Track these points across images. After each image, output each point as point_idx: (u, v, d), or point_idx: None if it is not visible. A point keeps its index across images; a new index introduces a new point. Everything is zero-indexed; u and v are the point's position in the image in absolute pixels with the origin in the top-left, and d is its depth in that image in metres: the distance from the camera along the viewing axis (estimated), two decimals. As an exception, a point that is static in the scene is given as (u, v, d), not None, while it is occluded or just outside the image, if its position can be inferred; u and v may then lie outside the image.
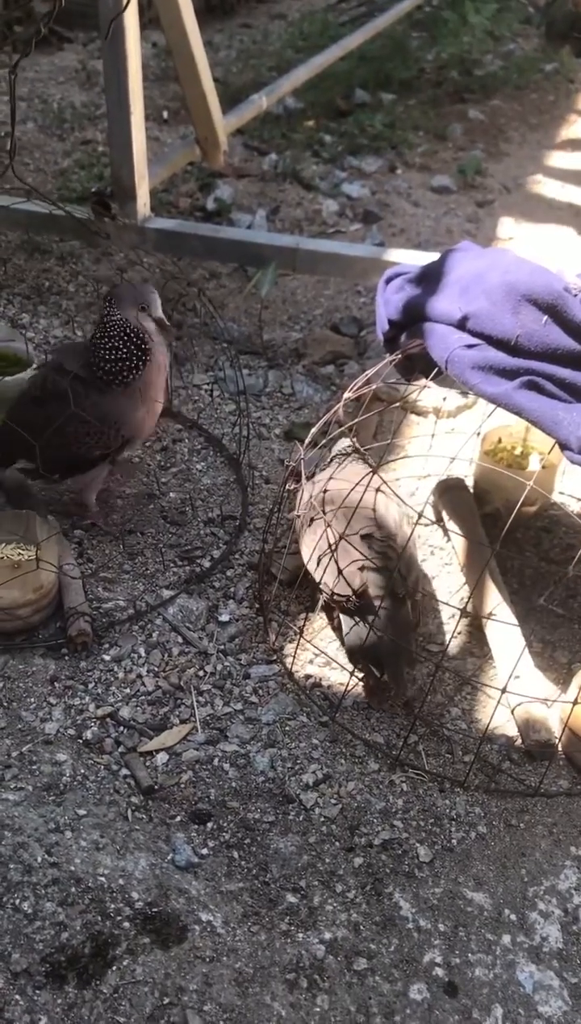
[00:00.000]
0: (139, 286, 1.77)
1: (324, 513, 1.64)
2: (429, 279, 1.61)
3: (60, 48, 4.56)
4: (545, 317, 1.42)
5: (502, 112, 4.13)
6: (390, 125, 3.83)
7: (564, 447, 1.40)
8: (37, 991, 1.18)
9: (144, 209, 2.59)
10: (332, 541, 1.61)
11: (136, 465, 2.04)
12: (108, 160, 2.76)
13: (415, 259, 2.32)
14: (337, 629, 1.70)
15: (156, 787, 1.46)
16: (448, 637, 1.73)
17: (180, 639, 1.71)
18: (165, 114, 3.87)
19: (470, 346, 1.46)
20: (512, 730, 1.59)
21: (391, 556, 1.62)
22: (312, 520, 1.69)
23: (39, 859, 1.30)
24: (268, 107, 3.35)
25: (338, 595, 1.60)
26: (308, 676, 1.66)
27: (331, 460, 1.85)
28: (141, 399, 1.78)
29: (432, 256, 1.89)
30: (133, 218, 2.56)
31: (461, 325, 1.49)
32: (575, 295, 1.42)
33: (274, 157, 3.53)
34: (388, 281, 1.71)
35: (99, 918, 1.25)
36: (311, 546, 1.67)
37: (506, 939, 1.32)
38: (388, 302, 1.66)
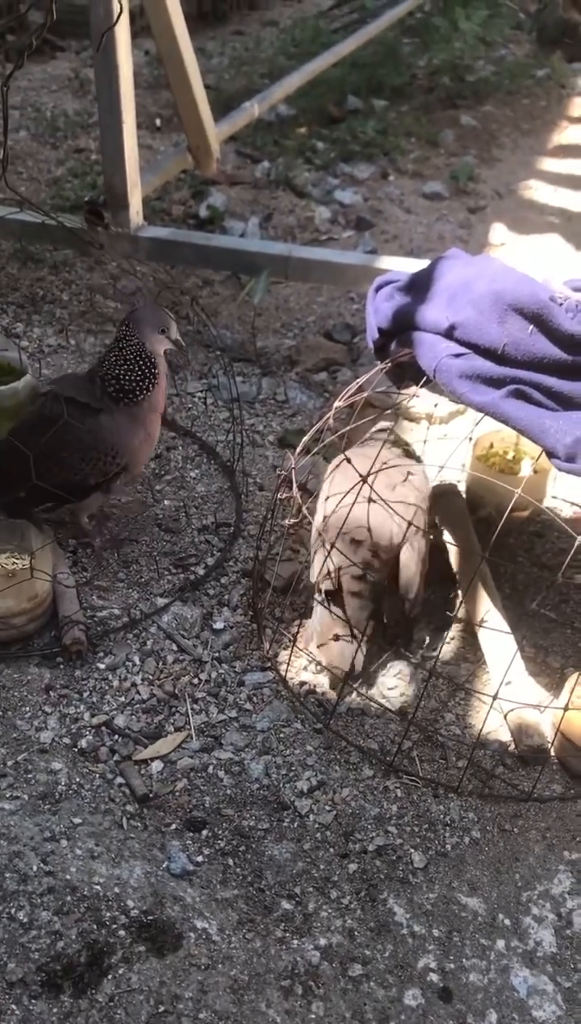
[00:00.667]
0: (158, 310, 1.78)
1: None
2: (418, 288, 1.61)
3: (53, 57, 4.57)
4: (531, 326, 1.43)
5: (494, 118, 4.15)
6: (382, 131, 3.85)
7: (551, 455, 1.41)
8: (33, 1000, 1.18)
9: (137, 218, 2.60)
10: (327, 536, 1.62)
11: (134, 496, 2.02)
12: (101, 168, 2.78)
13: (407, 266, 2.33)
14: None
15: (151, 795, 1.46)
16: (441, 643, 1.74)
17: (175, 647, 1.72)
18: (158, 122, 3.88)
19: (458, 355, 1.47)
20: (505, 735, 1.59)
21: (375, 566, 1.64)
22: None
23: (34, 868, 1.31)
24: (260, 114, 3.37)
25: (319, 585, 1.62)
26: (302, 683, 1.67)
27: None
28: (141, 423, 1.78)
29: (424, 263, 1.90)
30: (126, 227, 2.57)
31: (449, 334, 1.50)
32: (561, 304, 1.43)
33: (266, 164, 3.55)
34: (378, 289, 1.72)
35: (95, 927, 1.26)
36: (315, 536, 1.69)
37: (500, 944, 1.32)
38: (378, 310, 1.67)
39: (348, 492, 1.60)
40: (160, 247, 2.60)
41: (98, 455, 1.75)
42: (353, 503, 1.59)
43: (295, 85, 3.59)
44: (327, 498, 1.72)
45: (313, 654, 1.69)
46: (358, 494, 1.56)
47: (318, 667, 1.69)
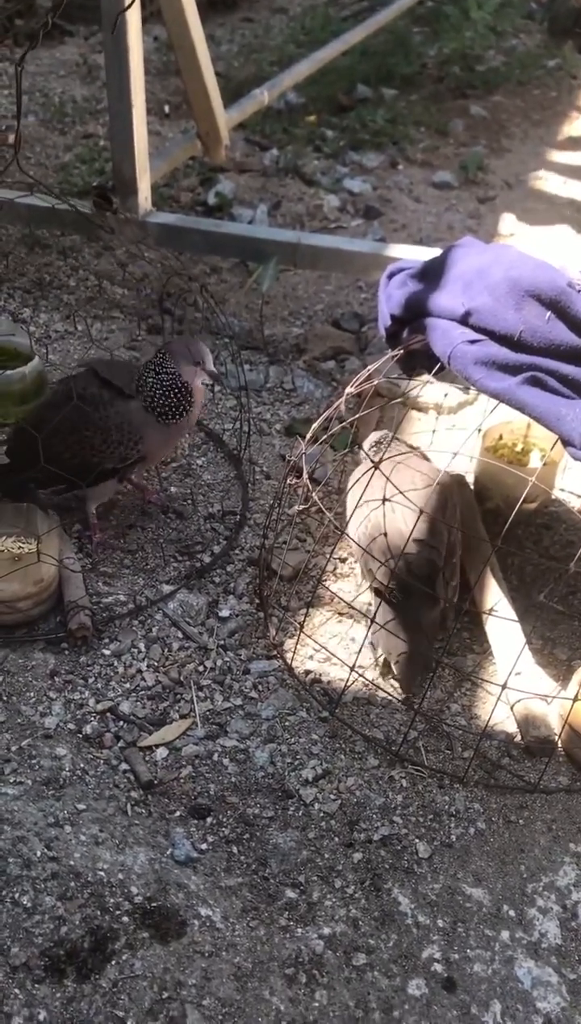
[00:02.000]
0: (194, 342, 1.80)
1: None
2: (431, 275, 1.60)
3: (61, 42, 4.54)
4: (548, 313, 1.41)
5: (504, 108, 4.12)
6: (391, 120, 3.83)
7: (567, 443, 1.40)
8: (36, 985, 1.18)
9: (145, 203, 2.58)
10: (386, 524, 1.60)
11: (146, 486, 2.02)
12: (109, 154, 2.76)
13: (416, 255, 2.32)
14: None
15: (156, 782, 1.46)
16: (448, 633, 1.73)
17: (180, 634, 1.71)
18: (166, 108, 3.86)
19: (473, 341, 1.45)
20: (512, 726, 1.59)
21: (439, 553, 1.63)
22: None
23: (38, 853, 1.30)
24: (270, 102, 3.35)
25: (380, 582, 1.60)
26: (308, 672, 1.66)
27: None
28: (170, 430, 1.80)
29: (433, 252, 1.89)
30: (134, 212, 2.56)
31: (464, 321, 1.49)
32: (579, 291, 1.41)
33: (275, 152, 3.53)
34: (390, 276, 1.70)
35: (98, 912, 1.25)
36: (358, 522, 1.68)
37: (505, 935, 1.32)
38: (390, 297, 1.65)
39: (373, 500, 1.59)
40: (168, 233, 2.58)
41: (121, 439, 1.75)
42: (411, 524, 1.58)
43: (304, 73, 3.57)
44: (367, 512, 1.68)
45: (320, 643, 1.69)
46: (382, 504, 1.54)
47: (324, 656, 1.68)
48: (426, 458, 1.87)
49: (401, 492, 1.58)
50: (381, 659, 1.64)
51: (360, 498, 1.64)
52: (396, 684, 1.63)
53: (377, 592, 1.64)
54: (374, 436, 1.90)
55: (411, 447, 1.87)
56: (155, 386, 1.76)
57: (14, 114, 3.62)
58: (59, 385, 1.84)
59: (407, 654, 1.58)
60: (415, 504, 1.57)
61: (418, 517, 1.55)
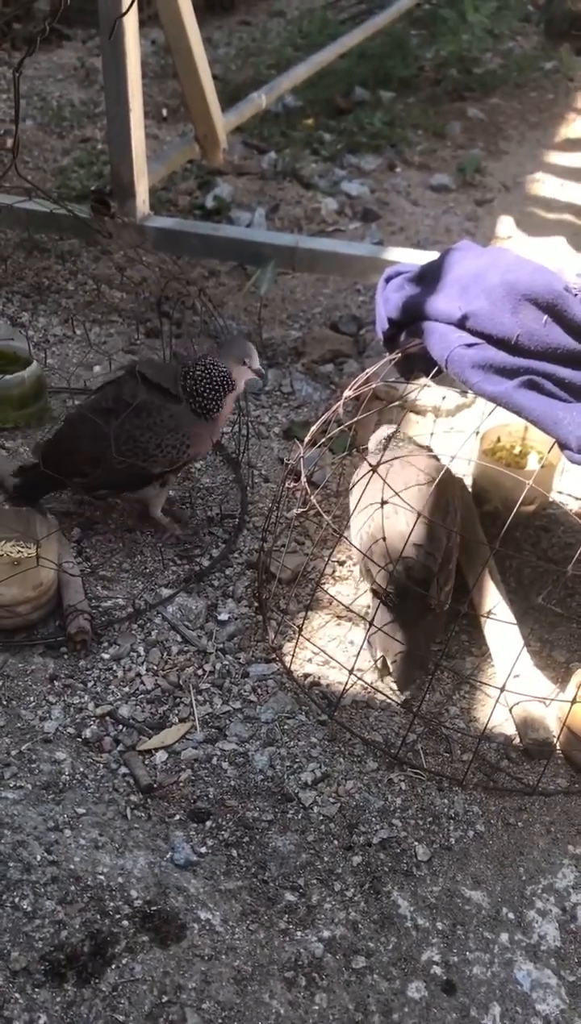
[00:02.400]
0: (244, 342, 1.85)
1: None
2: (429, 278, 1.61)
3: (59, 46, 4.55)
4: (545, 316, 1.42)
5: (501, 110, 4.13)
6: (389, 123, 3.83)
7: (564, 446, 1.41)
8: (36, 989, 1.18)
9: (143, 207, 2.58)
10: (385, 527, 1.60)
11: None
12: (107, 158, 2.76)
13: (414, 258, 2.33)
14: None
15: (155, 785, 1.46)
16: (446, 636, 1.73)
17: (179, 638, 1.71)
18: (164, 112, 3.87)
19: (470, 345, 1.46)
20: (510, 729, 1.59)
21: (436, 560, 1.63)
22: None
23: (38, 857, 1.31)
24: (267, 105, 3.35)
25: (379, 586, 1.61)
26: (307, 675, 1.66)
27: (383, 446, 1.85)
28: (211, 425, 1.84)
29: (431, 255, 1.90)
30: (132, 216, 2.56)
31: (461, 324, 1.49)
32: (575, 295, 1.42)
33: (273, 155, 3.53)
34: (388, 280, 1.71)
35: (98, 916, 1.25)
36: (360, 523, 1.68)
37: (504, 937, 1.32)
38: (388, 301, 1.66)
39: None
40: (167, 237, 2.58)
41: (174, 442, 1.77)
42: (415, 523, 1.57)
43: (302, 76, 3.57)
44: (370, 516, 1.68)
45: (319, 646, 1.69)
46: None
47: (323, 659, 1.68)
48: (434, 456, 1.87)
49: (399, 495, 1.59)
50: (379, 660, 1.64)
51: (360, 499, 1.65)
52: (394, 686, 1.64)
53: (375, 593, 1.65)
54: (382, 432, 1.90)
55: (419, 445, 1.87)
56: (205, 383, 1.79)
57: (12, 119, 3.63)
58: (103, 390, 1.84)
59: (403, 654, 1.59)
60: (415, 507, 1.57)
61: (417, 520, 1.55)
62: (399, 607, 1.61)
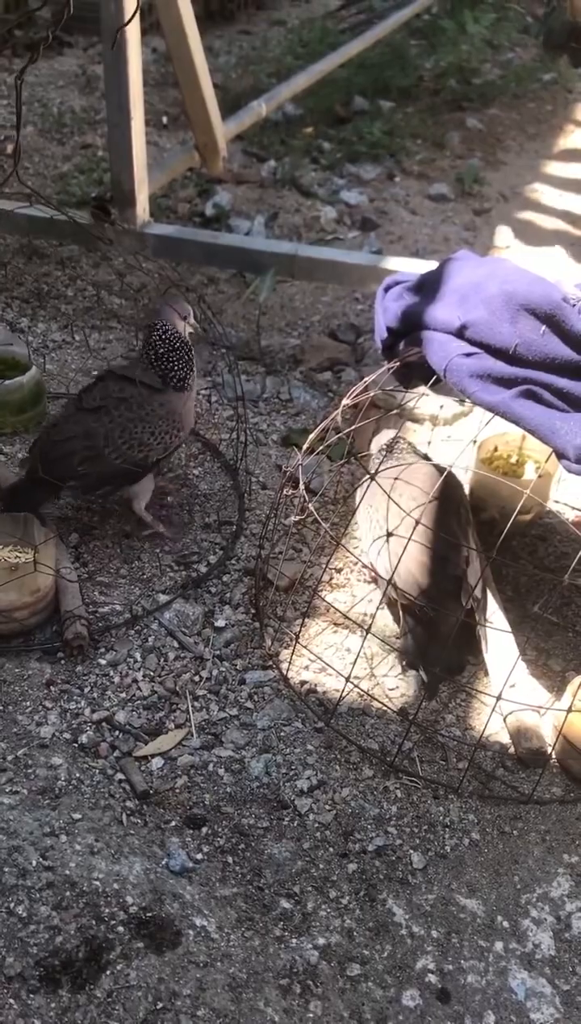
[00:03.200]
0: (174, 300, 1.91)
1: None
2: (428, 288, 1.61)
3: (60, 52, 4.56)
4: (543, 327, 1.43)
5: (500, 121, 4.15)
6: (388, 133, 3.85)
7: (561, 456, 1.41)
8: (31, 995, 1.18)
9: (143, 214, 2.59)
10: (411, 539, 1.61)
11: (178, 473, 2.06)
12: (108, 165, 2.77)
13: (412, 267, 2.33)
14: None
15: (151, 792, 1.46)
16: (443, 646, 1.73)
17: (176, 644, 1.71)
18: (164, 119, 3.88)
19: (468, 354, 1.47)
20: (506, 737, 1.59)
21: (462, 568, 1.65)
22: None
23: (34, 863, 1.30)
24: (267, 114, 3.37)
25: (409, 598, 1.61)
26: (303, 682, 1.66)
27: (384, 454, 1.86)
28: (190, 402, 1.90)
29: (430, 264, 1.90)
30: (132, 223, 2.57)
31: (460, 334, 1.50)
32: (573, 305, 1.42)
33: (273, 164, 3.55)
34: (387, 289, 1.72)
35: (93, 922, 1.25)
36: (372, 537, 1.68)
37: (499, 946, 1.32)
38: (387, 310, 1.66)
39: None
40: (166, 244, 2.59)
41: (167, 429, 1.83)
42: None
43: (302, 85, 3.59)
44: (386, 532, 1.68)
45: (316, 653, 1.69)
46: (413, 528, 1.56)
47: (319, 666, 1.68)
48: (434, 464, 1.87)
49: (410, 516, 1.59)
50: (414, 673, 1.64)
51: (365, 506, 1.65)
52: (390, 693, 1.64)
53: (406, 609, 1.64)
54: (383, 437, 1.91)
55: (419, 453, 1.88)
56: (169, 353, 1.84)
57: (13, 125, 3.64)
58: (88, 392, 1.86)
59: (437, 664, 1.59)
60: (428, 516, 1.57)
61: (435, 536, 1.56)
62: (432, 621, 1.61)
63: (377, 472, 1.62)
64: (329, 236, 3.15)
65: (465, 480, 2.03)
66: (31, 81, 4.18)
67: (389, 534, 1.60)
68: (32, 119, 3.78)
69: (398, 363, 1.67)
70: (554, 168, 3.82)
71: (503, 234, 3.21)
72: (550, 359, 1.42)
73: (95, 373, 2.01)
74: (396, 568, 1.60)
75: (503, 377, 1.42)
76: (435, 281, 1.61)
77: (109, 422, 1.78)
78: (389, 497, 1.60)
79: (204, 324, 2.57)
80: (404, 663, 1.67)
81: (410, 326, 1.60)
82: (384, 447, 1.86)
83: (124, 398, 1.80)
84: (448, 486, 1.68)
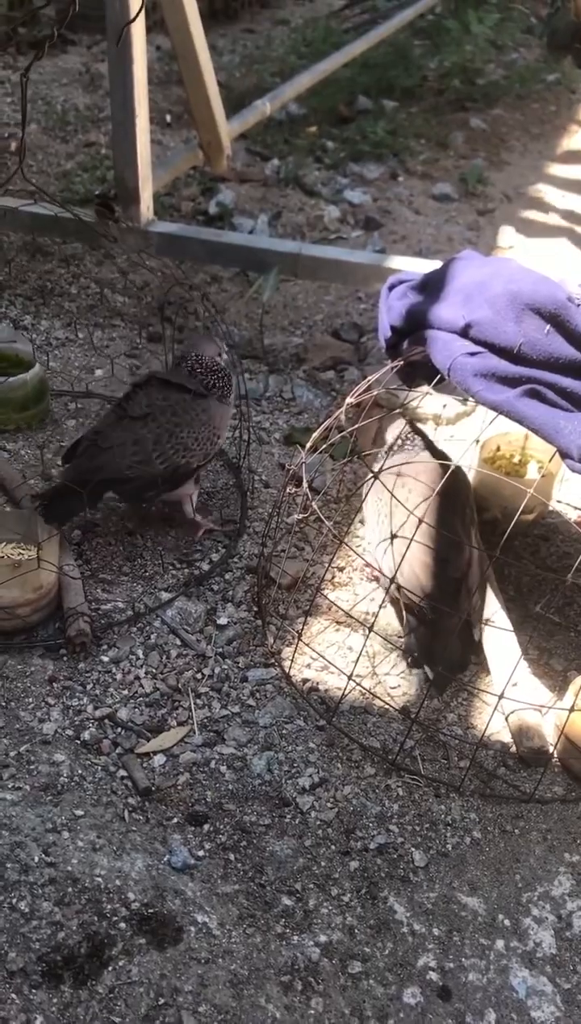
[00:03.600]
0: (213, 339, 1.99)
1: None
2: (432, 287, 1.62)
3: (64, 50, 4.56)
4: (548, 326, 1.43)
5: (504, 121, 4.15)
6: (392, 132, 3.85)
7: (565, 455, 1.41)
8: (33, 990, 1.18)
9: (147, 212, 2.60)
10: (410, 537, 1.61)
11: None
12: (111, 163, 2.77)
13: (416, 266, 2.34)
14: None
15: (153, 788, 1.46)
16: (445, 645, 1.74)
17: (178, 641, 1.71)
18: (168, 118, 3.88)
19: (473, 354, 1.47)
20: (507, 736, 1.59)
21: (460, 568, 1.65)
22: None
23: (36, 859, 1.31)
24: (271, 112, 3.37)
25: (413, 597, 1.62)
26: (306, 680, 1.67)
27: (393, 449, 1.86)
28: (226, 411, 1.94)
29: (433, 264, 1.90)
30: (136, 221, 2.57)
31: (464, 333, 1.50)
32: (578, 305, 1.43)
33: (276, 163, 3.55)
34: (391, 288, 1.72)
35: (95, 918, 1.26)
36: (379, 535, 1.68)
37: (500, 944, 1.32)
38: (391, 309, 1.67)
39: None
40: (170, 242, 2.60)
41: (209, 434, 1.86)
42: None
43: (306, 84, 3.59)
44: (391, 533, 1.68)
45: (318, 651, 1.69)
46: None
47: (322, 664, 1.69)
48: (442, 455, 1.87)
49: (414, 515, 1.59)
50: (421, 671, 1.65)
51: (371, 503, 1.65)
52: (392, 692, 1.64)
53: (409, 609, 1.65)
54: (396, 427, 1.90)
55: (430, 443, 1.87)
56: (207, 372, 1.91)
57: (17, 122, 3.64)
58: (133, 400, 1.86)
59: (442, 663, 1.60)
60: (432, 514, 1.57)
61: (438, 536, 1.56)
62: (434, 621, 1.61)
63: (381, 471, 1.62)
64: (332, 235, 3.15)
65: (468, 479, 2.03)
66: (35, 79, 4.18)
67: (393, 536, 1.61)
68: (36, 117, 3.78)
69: (402, 362, 1.67)
70: (558, 169, 3.82)
71: (507, 234, 3.21)
72: (554, 358, 1.42)
73: (133, 380, 2.01)
74: (399, 567, 1.60)
75: (507, 376, 1.43)
76: (439, 280, 1.61)
77: (157, 428, 1.80)
78: (392, 495, 1.60)
79: (207, 323, 2.58)
80: (408, 661, 1.67)
81: (414, 325, 1.61)
82: (397, 439, 1.85)
83: (169, 404, 1.83)
84: (455, 484, 1.68)
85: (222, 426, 1.91)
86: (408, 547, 1.56)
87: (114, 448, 1.78)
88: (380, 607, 1.71)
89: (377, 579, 1.81)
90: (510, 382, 1.43)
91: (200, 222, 3.10)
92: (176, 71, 3.89)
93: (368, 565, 1.80)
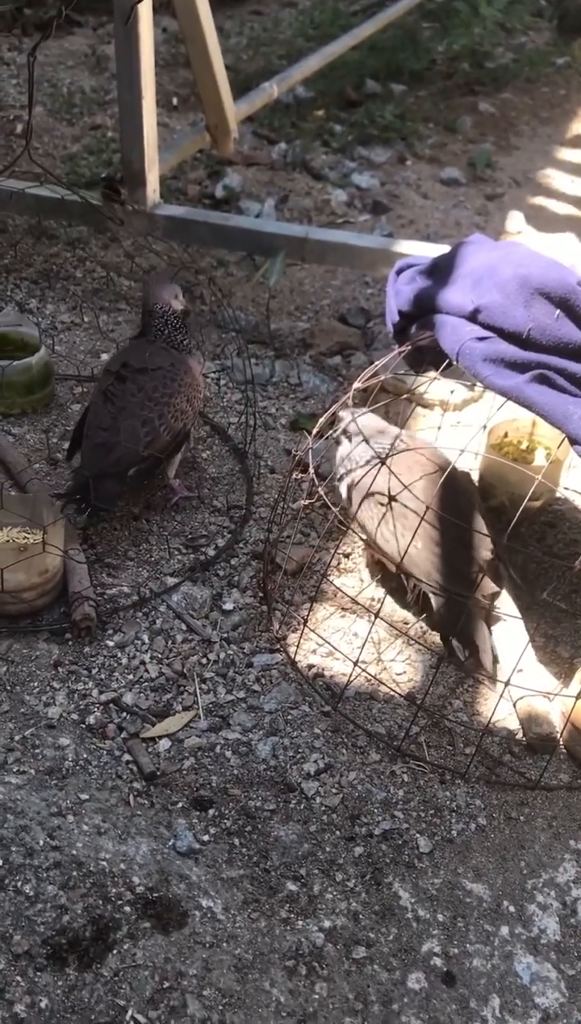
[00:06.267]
0: (164, 281, 1.99)
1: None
2: (441, 271, 1.60)
3: (70, 32, 4.53)
4: (557, 311, 1.42)
5: (513, 105, 4.12)
6: (400, 116, 3.82)
7: (573, 442, 1.41)
8: (38, 973, 1.18)
9: (153, 195, 2.58)
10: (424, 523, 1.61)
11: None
12: (117, 146, 2.76)
13: (424, 251, 2.32)
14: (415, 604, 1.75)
15: (158, 773, 1.46)
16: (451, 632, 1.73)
17: (184, 626, 1.71)
18: (174, 100, 3.85)
19: (481, 338, 1.46)
20: (514, 723, 1.59)
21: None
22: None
23: (41, 842, 1.31)
24: (278, 95, 3.34)
25: (431, 586, 1.62)
26: (311, 666, 1.66)
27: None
28: (198, 360, 1.98)
29: (441, 248, 1.89)
30: (142, 204, 2.55)
31: (473, 317, 1.49)
32: (589, 290, 1.42)
33: (283, 146, 3.53)
34: (399, 272, 1.71)
35: (100, 902, 1.26)
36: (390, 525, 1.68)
37: (504, 930, 1.32)
38: (399, 293, 1.65)
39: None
40: (176, 225, 2.58)
41: (194, 393, 1.91)
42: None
43: (313, 67, 3.56)
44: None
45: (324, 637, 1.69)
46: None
47: (327, 650, 1.68)
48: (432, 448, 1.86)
49: (407, 502, 1.58)
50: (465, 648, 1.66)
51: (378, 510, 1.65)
52: (397, 678, 1.64)
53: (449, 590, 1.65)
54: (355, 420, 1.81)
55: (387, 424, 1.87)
56: (174, 331, 1.93)
57: (23, 105, 3.62)
58: (109, 399, 1.85)
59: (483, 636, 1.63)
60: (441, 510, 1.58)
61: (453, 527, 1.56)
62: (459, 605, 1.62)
63: (388, 456, 1.61)
64: (340, 219, 3.13)
65: (474, 466, 2.02)
66: (40, 61, 4.15)
67: (391, 498, 1.60)
68: (41, 99, 3.75)
69: (410, 347, 1.66)
70: (567, 153, 3.79)
71: (515, 219, 3.18)
72: (564, 344, 1.41)
73: (111, 369, 1.99)
74: (407, 551, 1.60)
75: (516, 361, 1.42)
76: (448, 264, 1.60)
77: (154, 405, 1.83)
78: (392, 486, 1.59)
79: (213, 307, 2.57)
80: (443, 640, 1.68)
81: (422, 309, 1.60)
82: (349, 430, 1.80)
83: (157, 381, 1.85)
84: (454, 476, 1.68)
85: (200, 377, 1.96)
86: (415, 532, 1.55)
87: (127, 438, 1.80)
88: (385, 592, 1.70)
89: (380, 562, 1.80)
90: (519, 367, 1.42)
91: (206, 206, 3.09)
92: (182, 53, 3.87)
93: (369, 546, 1.79)
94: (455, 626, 1.61)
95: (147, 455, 1.82)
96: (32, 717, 1.52)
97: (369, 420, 1.80)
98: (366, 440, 1.65)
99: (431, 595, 1.66)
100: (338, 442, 1.82)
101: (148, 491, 1.96)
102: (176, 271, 2.25)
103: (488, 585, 1.67)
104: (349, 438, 1.79)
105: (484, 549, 1.67)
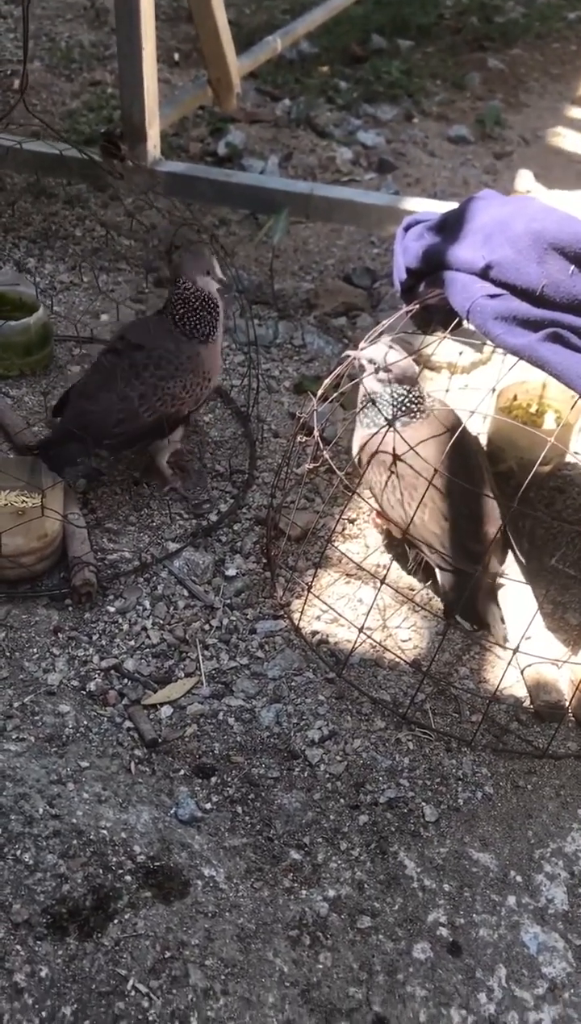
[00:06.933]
0: (198, 254, 1.85)
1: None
2: (450, 227, 1.55)
3: (68, -15, 4.42)
4: (572, 267, 1.37)
5: (522, 62, 4.03)
6: (407, 72, 3.74)
7: (586, 403, 1.37)
8: (38, 942, 1.16)
9: (154, 151, 2.52)
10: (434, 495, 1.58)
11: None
12: (117, 102, 2.69)
13: (432, 208, 2.26)
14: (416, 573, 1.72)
15: (160, 740, 1.44)
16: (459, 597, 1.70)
17: (186, 592, 1.68)
18: (176, 56, 3.77)
19: (493, 296, 1.41)
20: (521, 691, 1.57)
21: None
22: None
23: (40, 810, 1.29)
24: (282, 50, 3.26)
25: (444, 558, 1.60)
26: (315, 632, 1.64)
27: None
28: (216, 353, 1.88)
29: (450, 206, 1.83)
30: (143, 160, 2.49)
31: (484, 274, 1.44)
32: (607, 244, 1.37)
33: (287, 103, 3.45)
34: (407, 228, 1.65)
35: (101, 871, 1.24)
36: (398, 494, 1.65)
37: (511, 900, 1.30)
38: (407, 250, 1.60)
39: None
40: (178, 182, 2.52)
41: (196, 380, 1.81)
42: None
43: (318, 21, 3.47)
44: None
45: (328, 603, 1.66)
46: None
47: (331, 617, 1.65)
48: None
49: (417, 470, 1.54)
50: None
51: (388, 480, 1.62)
52: (403, 645, 1.61)
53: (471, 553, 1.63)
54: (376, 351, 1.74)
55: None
56: (188, 313, 1.82)
57: (19, 59, 3.53)
58: (102, 362, 1.82)
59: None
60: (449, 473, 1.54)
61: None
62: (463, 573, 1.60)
63: (394, 420, 1.57)
64: (345, 178, 3.06)
65: (483, 428, 1.98)
66: (38, 14, 4.05)
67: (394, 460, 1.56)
68: (39, 54, 3.66)
69: (418, 305, 1.62)
70: (577, 111, 3.71)
71: (524, 178, 3.11)
72: (579, 301, 1.36)
73: (111, 336, 1.93)
74: (412, 519, 1.56)
75: (529, 319, 1.37)
76: (458, 220, 1.55)
77: (141, 385, 1.75)
78: (400, 448, 1.56)
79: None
80: (446, 614, 1.65)
81: (431, 266, 1.55)
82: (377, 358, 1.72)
83: (152, 360, 1.77)
84: (463, 440, 1.64)
85: (213, 368, 1.85)
86: (421, 500, 1.52)
87: (100, 409, 1.74)
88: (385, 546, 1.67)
89: (387, 531, 1.76)
90: (532, 325, 1.37)
91: (209, 163, 3.02)
92: (184, 7, 3.77)
93: (380, 515, 1.76)
94: (459, 602, 1.58)
95: (119, 432, 1.75)
96: (31, 683, 1.50)
97: (404, 363, 1.75)
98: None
99: (437, 569, 1.63)
100: (363, 369, 1.74)
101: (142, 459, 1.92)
102: (177, 229, 2.19)
103: (495, 565, 1.64)
104: (376, 371, 1.71)
105: (492, 525, 1.63)
